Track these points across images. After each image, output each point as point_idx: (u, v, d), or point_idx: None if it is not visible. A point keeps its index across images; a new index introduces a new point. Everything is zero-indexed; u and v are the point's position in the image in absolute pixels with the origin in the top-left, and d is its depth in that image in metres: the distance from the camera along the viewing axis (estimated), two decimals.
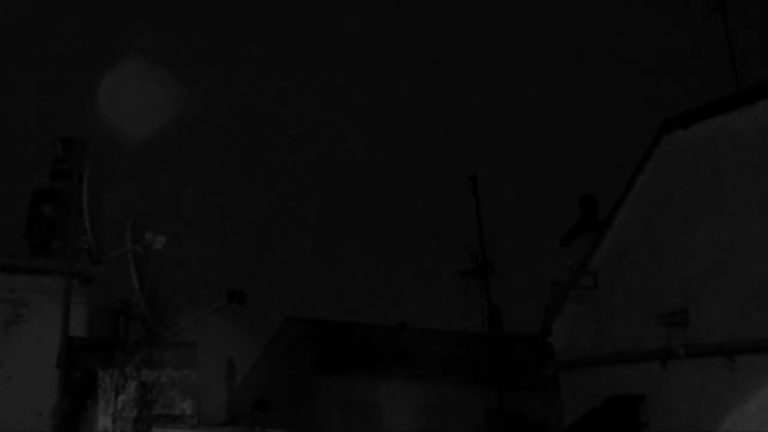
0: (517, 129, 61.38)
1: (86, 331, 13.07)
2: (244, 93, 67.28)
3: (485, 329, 21.97)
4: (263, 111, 64.95)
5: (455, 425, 24.83)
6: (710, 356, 12.39)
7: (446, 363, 25.94)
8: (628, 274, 13.96)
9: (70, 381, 9.93)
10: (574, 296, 14.78)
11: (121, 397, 9.10)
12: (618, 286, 14.09)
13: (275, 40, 69.14)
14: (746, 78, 13.55)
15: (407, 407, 24.92)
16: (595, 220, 15.69)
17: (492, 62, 64.91)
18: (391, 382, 24.92)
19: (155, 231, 10.09)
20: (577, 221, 16.09)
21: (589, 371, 14.29)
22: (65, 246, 12.18)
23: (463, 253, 22.39)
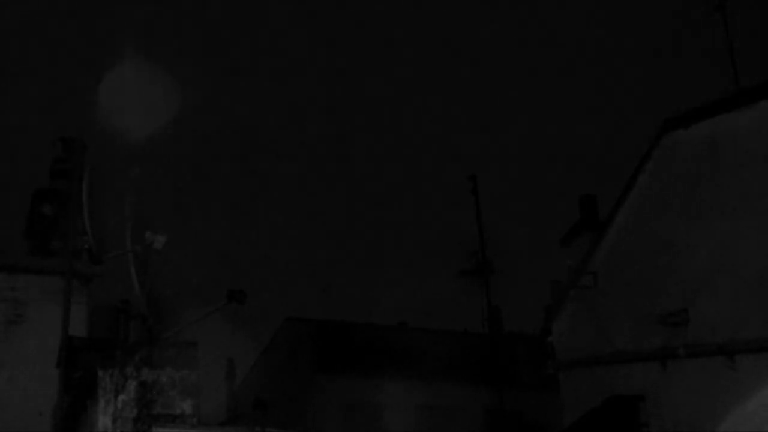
0: (517, 129, 61.36)
1: (86, 331, 13.07)
2: (244, 92, 67.29)
3: (485, 329, 21.99)
4: (263, 110, 64.99)
5: (455, 425, 24.80)
6: (710, 356, 12.39)
7: (446, 363, 25.91)
8: (628, 274, 13.96)
9: (70, 381, 9.93)
10: (574, 296, 14.78)
11: (121, 397, 9.10)
12: (618, 286, 14.09)
13: (275, 40, 69.15)
14: (746, 78, 13.56)
15: (407, 407, 24.89)
16: (595, 220, 15.69)
17: (492, 62, 64.93)
18: (391, 382, 24.88)
19: (155, 231, 10.08)
20: (577, 221, 16.09)
21: (589, 371, 14.29)
22: (65, 246, 12.19)
23: (463, 253, 22.42)
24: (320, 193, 60.63)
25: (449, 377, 25.60)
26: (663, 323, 13.01)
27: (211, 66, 63.37)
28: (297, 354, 26.48)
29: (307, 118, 65.19)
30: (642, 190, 13.96)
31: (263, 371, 28.30)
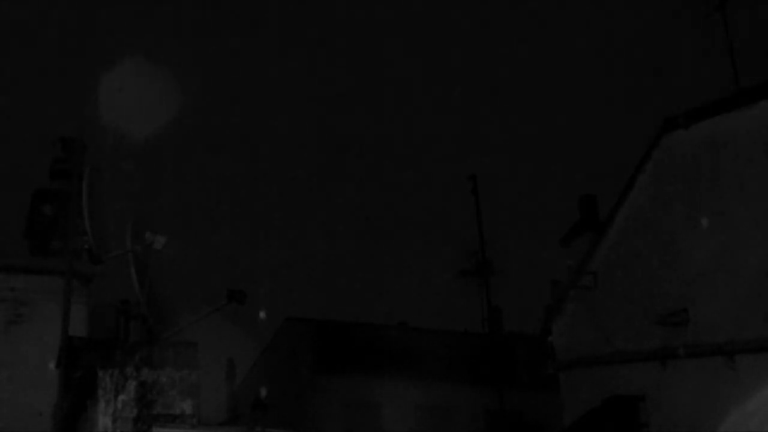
0: (517, 129, 61.37)
1: (86, 331, 13.07)
2: (244, 92, 67.28)
3: (485, 329, 21.98)
4: (263, 110, 64.98)
5: (455, 425, 24.81)
6: (710, 356, 12.39)
7: (446, 363, 25.92)
8: (628, 274, 13.96)
9: (70, 381, 9.92)
10: (574, 296, 14.78)
11: (121, 397, 9.10)
12: (618, 286, 14.09)
13: (275, 40, 69.13)
14: (746, 78, 13.56)
15: (407, 407, 24.90)
16: (595, 220, 15.68)
17: (492, 62, 64.93)
18: (391, 382, 24.90)
19: (155, 231, 10.07)
20: (577, 221, 16.07)
21: (589, 371, 14.29)
22: (65, 246, 12.19)
23: (463, 253, 22.42)
24: (320, 194, 60.64)
25: (449, 377, 25.60)
26: (663, 323, 13.01)
27: (211, 66, 63.36)
28: (297, 354, 26.48)
29: (307, 119, 65.21)
30: (642, 190, 13.95)
31: (263, 371, 28.30)
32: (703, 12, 14.30)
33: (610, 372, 13.80)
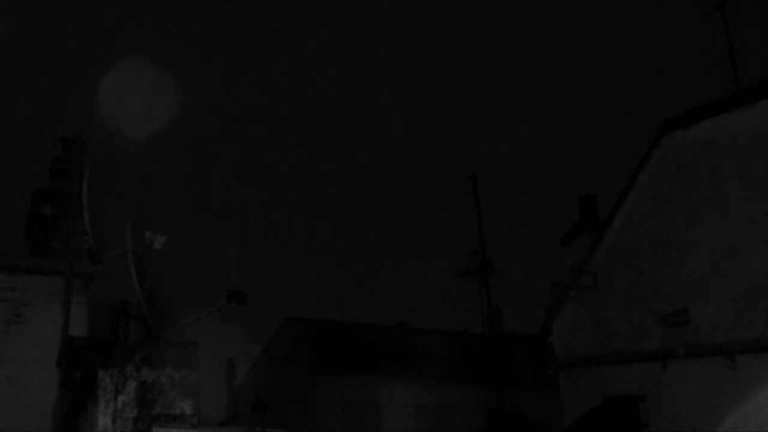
0: (517, 129, 61.37)
1: (86, 331, 13.09)
2: (244, 93, 67.28)
3: (485, 329, 21.98)
4: (263, 111, 64.98)
5: (455, 425, 24.80)
6: (710, 356, 12.38)
7: (446, 363, 25.90)
8: (628, 274, 13.96)
9: (70, 381, 9.94)
10: (574, 296, 14.78)
11: (121, 397, 9.10)
12: (618, 286, 14.09)
13: (274, 41, 69.12)
14: (746, 78, 13.56)
15: (407, 407, 24.89)
16: (595, 220, 15.69)
17: (492, 62, 64.92)
18: (391, 382, 24.88)
19: (155, 231, 10.08)
20: (577, 221, 16.08)
21: (589, 371, 14.29)
22: (65, 246, 12.21)
23: (463, 253, 22.42)
24: (320, 193, 60.63)
25: (449, 377, 25.59)
26: (663, 323, 13.00)
27: (211, 66, 63.36)
28: (297, 354, 26.47)
29: (306, 118, 65.22)
30: (642, 190, 13.96)
31: (263, 371, 28.30)
32: (703, 12, 14.31)
33: (610, 372, 13.80)
